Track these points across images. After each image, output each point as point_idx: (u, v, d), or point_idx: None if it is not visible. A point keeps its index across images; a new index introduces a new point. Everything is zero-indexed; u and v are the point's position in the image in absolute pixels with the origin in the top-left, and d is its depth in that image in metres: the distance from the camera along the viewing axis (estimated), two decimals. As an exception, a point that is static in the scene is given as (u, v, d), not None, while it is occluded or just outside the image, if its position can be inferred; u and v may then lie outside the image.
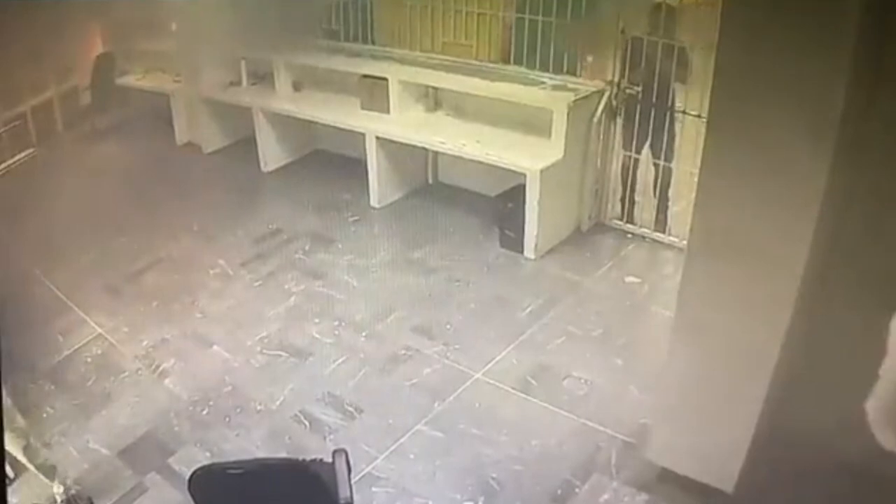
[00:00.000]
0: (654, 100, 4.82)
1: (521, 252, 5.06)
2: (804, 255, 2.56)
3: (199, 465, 2.53)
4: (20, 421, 3.48)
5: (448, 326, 4.41)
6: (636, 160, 5.12)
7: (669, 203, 5.10)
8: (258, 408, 3.89)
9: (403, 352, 4.23)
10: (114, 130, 7.10)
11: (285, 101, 6.29)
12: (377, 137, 5.60)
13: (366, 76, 5.77)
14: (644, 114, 4.90)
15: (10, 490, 2.99)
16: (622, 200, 5.27)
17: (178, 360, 4.27)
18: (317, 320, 4.53)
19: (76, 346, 4.38)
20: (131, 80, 7.19)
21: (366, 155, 5.71)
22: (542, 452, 3.53)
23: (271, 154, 6.44)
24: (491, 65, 5.54)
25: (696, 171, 2.83)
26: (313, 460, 2.54)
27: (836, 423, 2.59)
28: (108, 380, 4.13)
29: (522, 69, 5.40)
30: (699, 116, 4.47)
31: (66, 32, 6.49)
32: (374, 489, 3.38)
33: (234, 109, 6.53)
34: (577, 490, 3.33)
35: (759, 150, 2.51)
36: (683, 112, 4.77)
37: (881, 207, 2.48)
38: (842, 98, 2.31)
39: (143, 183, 6.05)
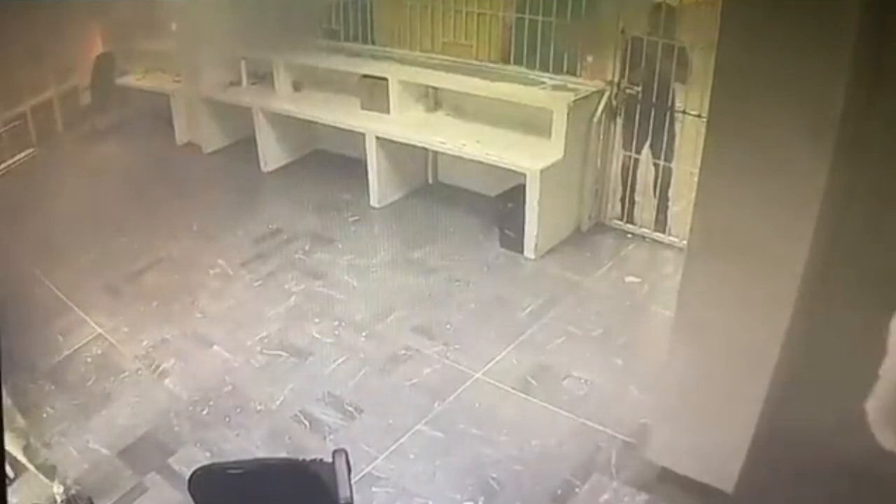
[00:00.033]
0: (654, 100, 4.82)
1: (521, 252, 5.06)
2: (804, 254, 2.56)
3: (199, 465, 2.52)
4: (20, 421, 3.48)
5: (448, 326, 4.41)
6: (636, 160, 5.12)
7: (669, 203, 5.10)
8: (258, 408, 3.89)
9: (403, 352, 4.23)
10: (114, 130, 7.10)
11: (285, 101, 6.29)
12: (377, 137, 5.60)
13: (366, 76, 5.77)
14: (644, 114, 4.90)
15: (10, 490, 2.99)
16: (622, 200, 5.27)
17: (178, 360, 4.27)
18: (317, 320, 4.53)
19: (76, 346, 4.39)
20: (131, 80, 7.19)
21: (366, 155, 5.71)
22: (542, 452, 3.53)
23: (271, 154, 6.44)
24: (491, 65, 5.54)
25: (696, 170, 2.83)
26: (313, 460, 2.54)
27: (836, 423, 2.59)
28: (108, 380, 4.13)
29: (522, 69, 5.40)
30: (699, 116, 4.47)
31: (66, 32, 6.49)
32: (374, 489, 3.38)
33: (234, 109, 6.53)
34: (577, 490, 3.33)
35: (759, 150, 2.51)
36: (683, 112, 4.77)
37: (881, 207, 2.47)
38: (842, 97, 2.31)
39: (143, 183, 6.05)
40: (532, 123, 5.15)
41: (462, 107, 5.64)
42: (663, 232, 5.14)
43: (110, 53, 7.12)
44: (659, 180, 5.04)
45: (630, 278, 4.81)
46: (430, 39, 5.80)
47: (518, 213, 4.98)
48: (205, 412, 3.88)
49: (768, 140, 2.48)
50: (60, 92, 6.91)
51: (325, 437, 3.69)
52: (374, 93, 5.70)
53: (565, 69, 5.22)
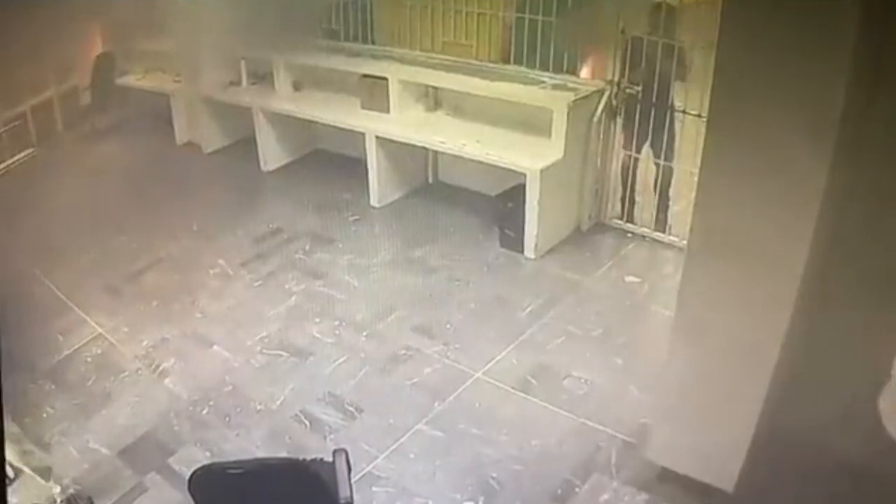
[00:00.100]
0: (654, 99, 4.82)
1: (521, 252, 5.06)
2: (804, 254, 2.56)
3: (199, 465, 2.53)
4: (14, 428, 3.47)
5: (448, 326, 4.41)
6: (636, 160, 5.12)
7: (670, 202, 5.10)
8: (258, 407, 3.89)
9: (404, 351, 4.23)
10: (114, 130, 7.10)
11: (285, 100, 6.29)
12: (377, 137, 5.60)
13: (366, 76, 5.77)
14: (644, 113, 4.90)
15: (9, 490, 2.99)
16: (622, 200, 5.27)
17: (178, 359, 4.27)
18: (317, 320, 4.53)
19: (76, 346, 4.38)
20: (131, 79, 7.18)
21: (366, 154, 5.71)
22: (542, 452, 3.53)
23: (271, 154, 6.44)
24: (491, 64, 5.55)
25: (697, 170, 2.83)
26: (313, 460, 2.54)
27: (835, 423, 2.60)
28: (108, 380, 4.12)
29: (522, 69, 5.40)
30: (699, 116, 4.47)
31: (66, 32, 6.49)
32: (374, 489, 3.38)
33: (233, 109, 6.53)
34: (577, 490, 3.33)
35: (759, 150, 2.51)
36: (683, 111, 4.77)
37: (881, 207, 2.48)
38: (842, 98, 2.31)
39: (142, 183, 6.04)
40: (532, 123, 5.15)
41: (462, 106, 5.64)
42: (663, 231, 5.14)
43: (110, 53, 7.12)
44: (659, 180, 5.05)
45: (630, 278, 4.81)
46: (430, 39, 5.80)
47: (518, 212, 4.98)
48: (205, 412, 3.88)
49: (768, 140, 2.48)
50: (60, 92, 6.91)
51: (325, 437, 3.69)
52: (374, 92, 5.70)
53: (565, 69, 5.22)
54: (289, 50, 6.25)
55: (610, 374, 3.98)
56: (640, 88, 4.88)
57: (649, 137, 4.96)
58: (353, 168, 5.93)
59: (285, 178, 6.39)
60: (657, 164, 5.02)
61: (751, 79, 2.45)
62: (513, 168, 4.97)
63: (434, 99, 5.81)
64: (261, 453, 3.57)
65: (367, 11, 6.14)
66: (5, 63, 5.71)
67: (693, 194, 2.87)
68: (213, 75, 6.65)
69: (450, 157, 5.60)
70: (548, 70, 5.29)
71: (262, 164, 6.44)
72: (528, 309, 4.51)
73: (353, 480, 2.57)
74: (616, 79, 4.97)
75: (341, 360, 4.20)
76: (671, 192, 5.06)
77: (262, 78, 6.54)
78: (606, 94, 5.00)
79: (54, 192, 5.64)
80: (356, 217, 5.68)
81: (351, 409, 3.85)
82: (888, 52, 2.31)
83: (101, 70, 7.07)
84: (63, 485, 3.11)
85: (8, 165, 6.30)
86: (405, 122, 5.62)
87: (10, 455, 3.08)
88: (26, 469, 3.12)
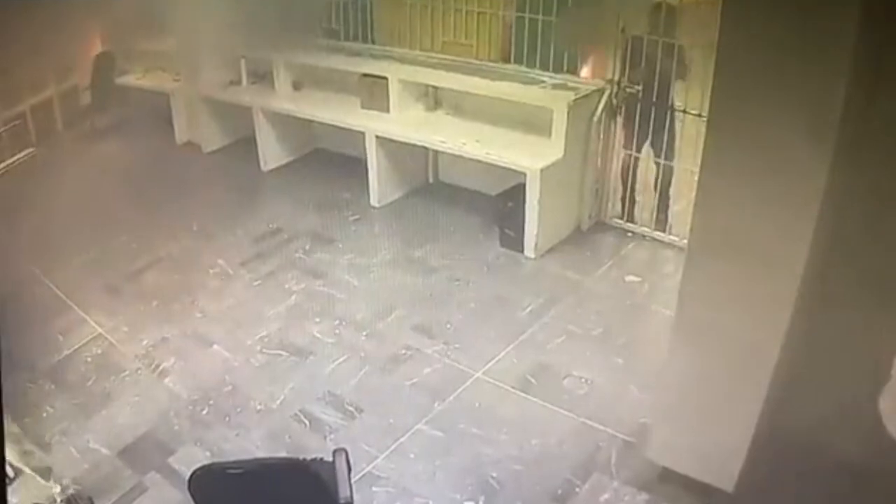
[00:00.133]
0: (654, 99, 4.82)
1: (522, 251, 5.06)
2: (804, 254, 2.56)
3: (199, 465, 2.53)
4: (14, 428, 3.48)
5: (448, 326, 4.41)
6: (636, 159, 5.12)
7: (670, 202, 5.10)
8: (258, 407, 3.89)
9: (404, 351, 4.23)
10: (113, 130, 7.09)
11: (285, 100, 6.28)
12: (377, 136, 5.60)
13: (366, 75, 5.76)
14: (644, 113, 4.90)
15: (9, 490, 2.99)
16: (622, 199, 5.27)
17: (177, 359, 4.27)
18: (317, 319, 4.53)
19: (76, 346, 4.38)
20: (131, 79, 7.17)
21: (366, 154, 5.71)
22: (543, 452, 3.53)
23: (271, 153, 6.44)
24: (491, 64, 5.55)
25: (697, 169, 2.83)
26: (313, 460, 2.54)
27: (835, 423, 2.59)
28: (107, 379, 4.12)
29: (522, 68, 5.40)
30: (699, 115, 4.47)
31: (65, 31, 6.48)
32: (374, 488, 3.38)
33: (233, 108, 6.52)
34: (577, 489, 3.33)
35: (759, 150, 2.51)
36: (684, 111, 4.77)
37: (881, 207, 2.48)
38: (842, 98, 2.31)
39: (142, 182, 6.03)
40: (532, 122, 5.15)
41: (462, 106, 5.64)
42: (664, 231, 5.14)
43: (110, 53, 7.11)
44: (659, 179, 5.05)
45: (630, 277, 4.81)
46: (430, 38, 5.80)
47: (518, 212, 4.97)
48: (205, 412, 3.88)
49: (768, 140, 2.48)
50: (60, 91, 6.90)
51: (325, 437, 3.69)
52: (374, 92, 5.70)
53: (565, 68, 5.22)
54: (289, 49, 6.25)
55: (610, 373, 3.98)
56: (640, 88, 4.88)
57: (649, 137, 4.96)
58: (353, 167, 5.93)
59: (285, 177, 6.39)
60: (657, 164, 5.02)
61: (751, 79, 2.44)
62: (513, 167, 4.97)
63: (434, 98, 5.81)
64: (261, 453, 3.57)
65: (367, 11, 6.13)
66: (5, 62, 5.70)
67: (693, 193, 2.86)
68: (213, 75, 6.64)
69: (450, 157, 5.60)
70: (548, 69, 5.29)
71: (261, 163, 6.43)
72: (529, 308, 4.51)
73: (353, 480, 2.57)
74: (616, 78, 4.97)
75: (341, 359, 4.20)
76: (671, 191, 5.06)
77: (262, 77, 6.54)
78: (606, 93, 5.00)
79: (54, 192, 5.64)
80: (356, 216, 5.68)
81: (351, 408, 3.85)
82: (888, 53, 2.31)
83: (100, 69, 7.06)
84: (63, 484, 3.11)
85: (8, 165, 6.29)
86: (405, 122, 5.62)
87: (10, 455, 3.09)
88: (26, 469, 3.12)
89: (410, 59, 5.83)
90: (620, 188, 5.26)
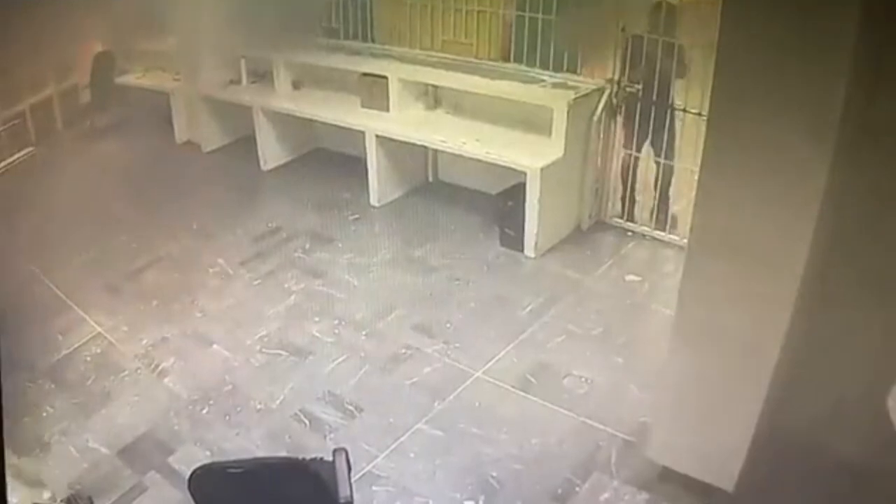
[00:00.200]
0: (654, 98, 4.82)
1: (522, 250, 5.05)
2: (804, 254, 2.56)
3: (198, 464, 2.53)
4: None
5: (448, 325, 4.41)
6: (636, 158, 5.12)
7: (670, 201, 5.10)
8: (258, 407, 3.89)
9: (404, 350, 4.23)
10: (113, 129, 7.08)
11: (285, 99, 6.28)
12: (377, 136, 5.59)
13: (366, 74, 5.76)
14: (644, 112, 4.90)
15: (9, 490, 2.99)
16: (622, 199, 5.27)
17: (177, 358, 4.27)
18: (317, 319, 4.53)
19: (76, 345, 4.38)
20: (131, 78, 7.16)
21: (366, 153, 5.71)
22: (543, 451, 3.53)
23: (271, 152, 6.44)
24: (491, 63, 5.54)
25: (697, 168, 2.83)
26: (313, 459, 2.54)
27: (835, 423, 2.60)
28: (107, 379, 4.12)
29: (522, 67, 5.40)
30: (699, 114, 4.47)
31: (65, 31, 6.48)
32: (374, 488, 3.38)
33: (233, 108, 6.52)
34: (577, 489, 3.33)
35: (759, 150, 2.51)
36: (684, 110, 4.77)
37: (881, 207, 2.48)
38: (842, 98, 2.31)
39: (142, 181, 6.02)
40: (532, 122, 5.14)
41: (462, 105, 5.64)
42: (664, 230, 5.14)
43: (110, 52, 7.10)
44: (659, 178, 5.04)
45: (630, 277, 4.81)
46: (429, 37, 5.80)
47: (518, 211, 4.97)
48: (204, 411, 3.88)
49: (768, 140, 2.48)
50: (60, 90, 6.89)
51: (325, 436, 3.69)
52: (373, 91, 5.70)
53: (565, 67, 5.22)
54: (288, 48, 6.24)
55: (610, 372, 3.97)
56: (640, 87, 4.88)
57: (649, 136, 4.96)
58: (353, 167, 5.93)
59: (285, 176, 6.38)
60: (657, 163, 5.02)
61: (751, 79, 2.44)
62: (513, 167, 4.97)
63: (434, 97, 5.81)
64: (261, 452, 3.57)
65: (366, 10, 6.13)
66: (5, 62, 5.70)
67: (693, 193, 2.86)
68: (213, 74, 6.64)
69: (450, 156, 5.60)
70: (548, 68, 5.29)
71: (261, 162, 6.43)
72: (529, 308, 4.51)
73: (353, 480, 2.57)
74: (616, 77, 4.97)
75: (341, 359, 4.20)
76: (671, 190, 5.06)
77: (262, 76, 6.53)
78: (607, 92, 5.00)
79: (54, 191, 5.63)
80: (356, 216, 5.68)
81: (351, 408, 3.85)
82: (888, 53, 2.31)
83: (100, 69, 7.05)
84: (53, 493, 3.10)
85: (7, 164, 6.29)
86: (405, 121, 5.62)
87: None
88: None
89: (410, 57, 5.83)
90: (620, 187, 5.26)
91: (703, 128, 2.90)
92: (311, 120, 6.16)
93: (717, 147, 2.65)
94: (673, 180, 5.02)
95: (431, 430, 3.68)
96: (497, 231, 5.20)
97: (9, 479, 2.96)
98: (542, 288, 4.70)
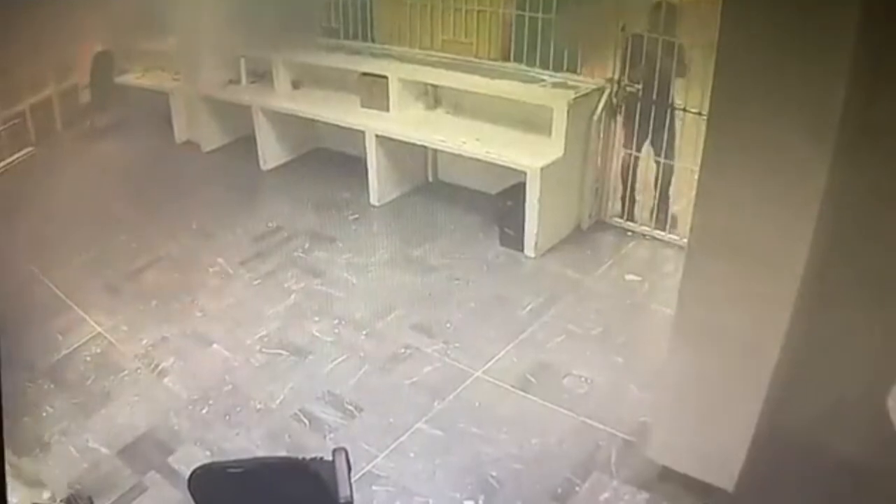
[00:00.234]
0: (654, 97, 4.82)
1: (522, 250, 5.05)
2: (804, 254, 2.56)
3: (198, 464, 2.52)
4: None
5: (448, 325, 4.41)
6: (636, 158, 5.12)
7: (670, 201, 5.10)
8: (258, 406, 3.89)
9: (403, 350, 4.23)
10: (113, 129, 7.09)
11: (284, 99, 6.28)
12: (377, 135, 5.59)
13: (365, 74, 5.76)
14: (644, 111, 4.90)
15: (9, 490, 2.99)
16: (622, 198, 5.27)
17: (177, 358, 4.27)
18: (316, 319, 4.53)
19: (75, 345, 4.38)
20: (130, 78, 7.17)
21: (365, 153, 5.71)
22: (542, 451, 3.53)
23: (271, 152, 6.44)
24: (491, 62, 5.54)
25: (697, 168, 2.83)
26: (313, 459, 2.53)
27: (835, 423, 2.60)
28: (107, 379, 4.12)
29: (522, 67, 5.40)
30: (699, 114, 4.47)
31: (65, 31, 6.48)
32: (374, 488, 3.38)
33: (233, 108, 6.52)
34: (577, 488, 3.33)
35: (759, 150, 2.51)
36: (684, 110, 4.77)
37: (881, 207, 2.48)
38: (842, 98, 2.31)
39: (142, 181, 6.03)
40: (532, 121, 5.14)
41: (462, 104, 5.64)
42: (664, 230, 5.14)
43: (109, 52, 7.11)
44: (659, 178, 5.04)
45: (630, 276, 4.81)
46: (429, 37, 5.79)
47: (518, 211, 4.97)
48: (204, 411, 3.88)
49: (768, 140, 2.48)
50: (59, 90, 6.90)
51: (325, 436, 3.69)
52: (373, 91, 5.70)
53: (565, 67, 5.22)
54: (288, 48, 6.25)
55: (610, 372, 3.97)
56: (640, 86, 4.88)
57: (649, 135, 4.96)
58: (353, 166, 5.93)
59: (285, 176, 6.38)
60: (657, 163, 5.02)
61: (751, 79, 2.44)
62: (513, 166, 4.97)
63: (434, 97, 5.80)
64: (260, 452, 3.57)
65: (366, 9, 6.13)
66: (5, 62, 5.70)
67: (693, 193, 2.86)
68: (213, 74, 6.64)
69: (449, 156, 5.60)
70: (548, 68, 5.29)
71: (261, 162, 6.43)
72: (528, 307, 4.51)
73: (353, 479, 2.56)
74: (616, 77, 4.97)
75: (341, 358, 4.20)
76: (671, 190, 5.05)
77: (262, 76, 6.54)
78: (607, 92, 4.99)
79: (53, 191, 5.64)
80: (356, 215, 5.68)
81: (350, 407, 3.85)
82: (888, 53, 2.31)
83: (100, 68, 7.05)
84: (53, 492, 3.09)
85: (7, 164, 6.29)
86: (405, 121, 5.61)
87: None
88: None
89: (410, 57, 5.83)
90: (620, 187, 5.26)
91: (703, 127, 2.89)
92: (310, 120, 6.16)
93: (717, 147, 2.65)
94: (673, 180, 5.02)
95: (431, 430, 3.68)
96: (497, 231, 5.20)
97: (9, 479, 2.97)
98: (542, 288, 4.70)
